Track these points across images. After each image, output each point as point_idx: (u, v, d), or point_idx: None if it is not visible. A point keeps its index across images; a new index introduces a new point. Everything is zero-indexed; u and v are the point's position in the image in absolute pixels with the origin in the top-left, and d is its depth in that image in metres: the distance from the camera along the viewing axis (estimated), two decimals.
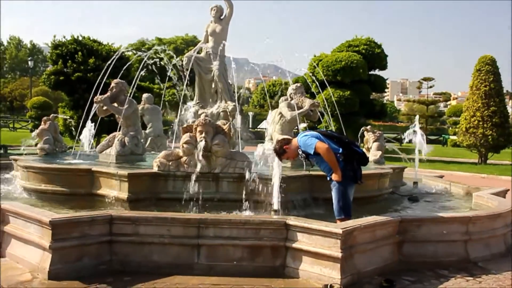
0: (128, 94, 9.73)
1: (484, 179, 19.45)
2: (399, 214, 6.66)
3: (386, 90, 47.31)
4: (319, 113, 10.89)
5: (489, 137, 25.87)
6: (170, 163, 7.72)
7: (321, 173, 6.72)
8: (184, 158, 7.68)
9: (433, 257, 6.36)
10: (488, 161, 27.07)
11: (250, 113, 56.61)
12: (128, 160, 9.19)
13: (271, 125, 10.33)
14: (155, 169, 7.74)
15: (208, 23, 12.12)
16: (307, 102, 10.09)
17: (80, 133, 11.13)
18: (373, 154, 11.17)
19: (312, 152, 6.18)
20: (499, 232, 7.12)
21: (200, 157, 7.44)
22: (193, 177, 7.34)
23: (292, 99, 10.33)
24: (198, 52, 12.17)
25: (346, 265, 5.47)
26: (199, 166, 7.39)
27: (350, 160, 6.24)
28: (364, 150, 10.08)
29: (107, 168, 8.21)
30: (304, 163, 6.99)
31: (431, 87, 64.50)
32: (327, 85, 24.11)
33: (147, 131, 12.97)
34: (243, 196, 7.17)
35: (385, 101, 63.10)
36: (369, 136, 11.89)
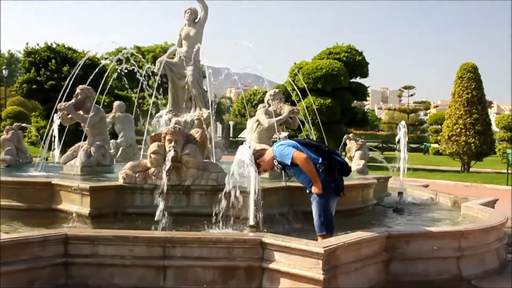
0: (95, 101, 9.07)
1: (468, 187, 19.17)
2: (386, 229, 6.13)
3: (367, 98, 47.18)
4: (299, 121, 10.36)
5: (472, 144, 25.62)
6: (136, 175, 7.08)
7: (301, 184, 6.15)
8: (152, 170, 7.05)
9: (423, 275, 5.86)
10: (470, 169, 26.83)
11: (231, 122, 56.17)
12: (94, 172, 8.55)
13: (249, 134, 9.80)
14: (121, 181, 7.10)
15: (181, 26, 11.54)
16: (286, 109, 9.56)
17: (45, 143, 10.42)
18: (356, 163, 10.72)
19: (289, 163, 5.57)
20: (492, 246, 6.63)
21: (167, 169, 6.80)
22: (162, 190, 6.70)
23: (270, 105, 9.78)
24: (172, 58, 11.56)
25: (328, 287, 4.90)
26: (164, 178, 6.73)
27: (331, 171, 5.66)
28: (346, 159, 9.56)
29: (67, 180, 7.53)
30: (282, 174, 6.38)
31: (411, 95, 64.95)
32: (308, 93, 23.68)
33: (118, 140, 12.37)
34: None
35: (366, 110, 63.13)
36: (351, 145, 11.42)
